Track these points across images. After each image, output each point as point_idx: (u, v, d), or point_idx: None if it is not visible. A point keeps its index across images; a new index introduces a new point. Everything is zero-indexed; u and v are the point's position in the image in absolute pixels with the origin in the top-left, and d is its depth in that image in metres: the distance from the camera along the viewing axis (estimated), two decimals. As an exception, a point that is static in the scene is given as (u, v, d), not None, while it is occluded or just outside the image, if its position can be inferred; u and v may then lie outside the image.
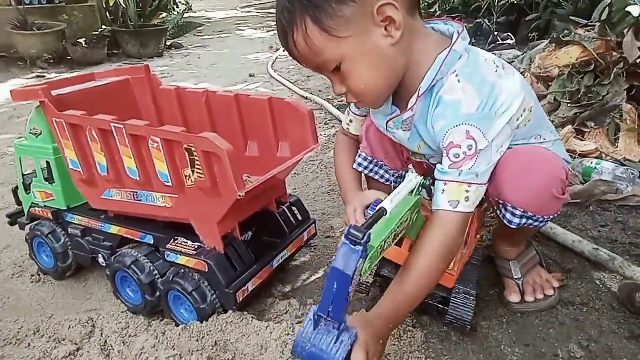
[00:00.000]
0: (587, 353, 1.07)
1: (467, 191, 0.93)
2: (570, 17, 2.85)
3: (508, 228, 1.07)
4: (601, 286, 1.27)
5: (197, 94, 1.41)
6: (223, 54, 5.70)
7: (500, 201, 1.05)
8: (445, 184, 0.95)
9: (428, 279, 0.94)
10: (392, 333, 1.11)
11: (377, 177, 1.25)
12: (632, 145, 2.02)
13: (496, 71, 0.95)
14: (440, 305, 1.14)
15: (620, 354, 1.06)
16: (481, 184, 0.95)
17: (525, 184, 1.01)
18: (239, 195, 1.03)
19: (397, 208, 0.89)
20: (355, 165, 1.24)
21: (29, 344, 1.27)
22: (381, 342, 0.90)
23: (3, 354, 1.24)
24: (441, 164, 0.96)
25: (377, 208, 0.85)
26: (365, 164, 1.23)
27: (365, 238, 0.77)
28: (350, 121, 1.27)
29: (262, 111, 1.34)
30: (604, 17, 2.28)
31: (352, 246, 0.77)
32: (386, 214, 0.84)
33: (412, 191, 0.98)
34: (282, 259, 1.32)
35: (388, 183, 1.26)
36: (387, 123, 1.08)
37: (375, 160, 1.23)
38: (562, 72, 2.28)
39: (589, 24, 2.60)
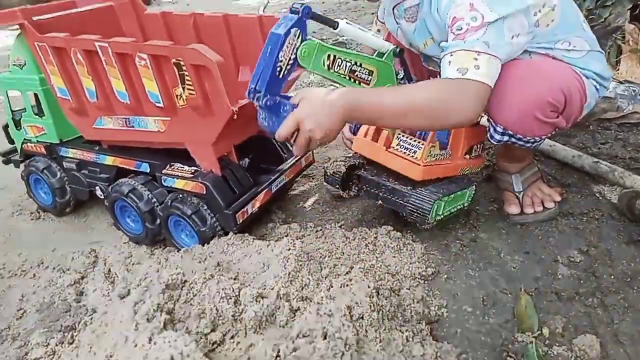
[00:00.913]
0: (587, 257, 1.08)
1: (476, 59, 0.89)
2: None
3: (507, 145, 1.06)
4: (600, 198, 1.27)
5: (184, 17, 1.35)
6: (212, 1, 5.51)
7: (489, 116, 1.03)
8: (451, 55, 0.90)
9: (406, 108, 0.90)
10: (392, 245, 1.11)
11: None
12: (634, 67, 1.98)
13: None
14: (403, 201, 1.12)
15: (619, 256, 1.07)
16: (493, 55, 0.89)
17: (508, 103, 0.98)
18: (233, 111, 1.00)
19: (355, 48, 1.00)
20: None
21: (34, 275, 1.28)
22: (329, 124, 0.87)
23: (10, 284, 1.25)
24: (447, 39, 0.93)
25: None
26: None
27: (305, 11, 0.89)
28: (378, 30, 1.30)
29: (253, 32, 1.29)
30: None
31: (290, 14, 0.90)
32: (337, 27, 0.97)
33: (383, 55, 1.03)
34: (280, 183, 1.31)
35: None
36: (393, 10, 1.09)
37: None
38: (563, -6, 2.20)
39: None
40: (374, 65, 1.02)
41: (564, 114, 1.02)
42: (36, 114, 1.39)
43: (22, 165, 1.52)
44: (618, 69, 2.00)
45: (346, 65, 0.99)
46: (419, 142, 1.10)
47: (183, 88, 1.03)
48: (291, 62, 0.92)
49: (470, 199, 1.18)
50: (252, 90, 0.91)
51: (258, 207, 1.22)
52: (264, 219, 1.36)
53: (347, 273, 1.01)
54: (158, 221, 1.26)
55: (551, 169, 1.41)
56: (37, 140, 1.43)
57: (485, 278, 1.05)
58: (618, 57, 2.01)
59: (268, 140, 1.36)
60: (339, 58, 0.97)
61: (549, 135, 1.06)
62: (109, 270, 1.26)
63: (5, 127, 1.51)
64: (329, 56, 0.96)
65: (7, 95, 1.42)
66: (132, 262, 1.29)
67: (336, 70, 0.98)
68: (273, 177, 1.28)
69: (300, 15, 0.89)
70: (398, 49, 1.05)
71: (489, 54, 0.89)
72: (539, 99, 0.97)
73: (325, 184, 1.33)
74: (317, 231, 1.28)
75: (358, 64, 1.01)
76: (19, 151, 1.51)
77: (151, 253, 1.30)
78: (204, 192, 1.14)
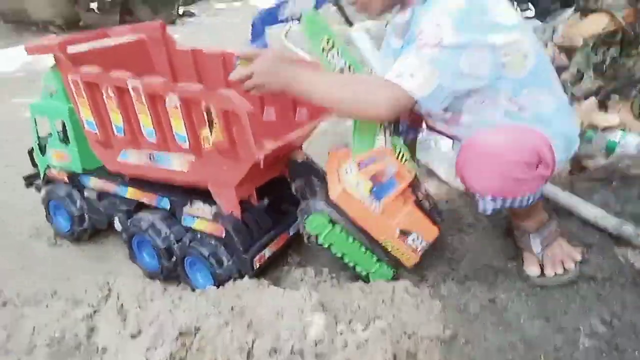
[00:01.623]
0: (609, 328, 1.05)
1: (415, 71, 0.93)
2: (598, -13, 2.74)
3: None
4: (624, 261, 1.24)
5: (214, 56, 1.37)
6: (234, 23, 5.60)
7: (471, 192, 1.06)
8: (402, 58, 0.96)
9: (332, 97, 0.99)
10: (410, 302, 1.10)
11: None
12: (657, 119, 1.96)
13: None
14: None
15: (644, 329, 1.04)
16: (435, 75, 0.93)
17: (487, 173, 1.01)
18: (258, 158, 1.00)
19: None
20: None
21: (47, 305, 1.27)
22: (270, 89, 1.00)
23: (22, 314, 1.24)
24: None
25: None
26: None
27: None
28: None
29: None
30: (634, -15, 2.18)
31: None
32: (350, 26, 1.12)
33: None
34: (298, 225, 1.30)
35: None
36: (386, 27, 1.14)
37: None
38: (587, 42, 2.20)
39: (618, -7, 2.49)
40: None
41: (543, 164, 1.03)
42: (62, 142, 1.41)
43: (43, 190, 1.54)
44: (642, 121, 1.98)
45: (339, 61, 1.05)
46: (356, 171, 1.08)
47: (210, 131, 1.04)
48: (296, 16, 1.02)
49: (379, 274, 1.16)
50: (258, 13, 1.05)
51: (276, 250, 1.22)
52: (279, 260, 1.35)
53: (363, 330, 1.00)
54: (174, 259, 1.26)
55: (573, 226, 1.39)
56: (61, 168, 1.45)
57: (504, 344, 1.02)
58: (642, 108, 1.99)
59: (287, 182, 1.36)
60: (336, 49, 1.03)
61: (542, 186, 1.07)
62: (122, 306, 1.25)
63: (30, 152, 1.53)
64: (328, 41, 1.02)
65: (36, 121, 1.44)
66: (146, 298, 1.27)
67: (327, 58, 1.05)
68: (291, 221, 1.28)
69: None
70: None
71: (431, 70, 0.93)
72: (513, 161, 0.99)
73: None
74: (332, 278, 1.26)
75: (349, 67, 1.06)
76: (41, 176, 1.52)
77: (164, 290, 1.28)
78: (223, 235, 1.14)
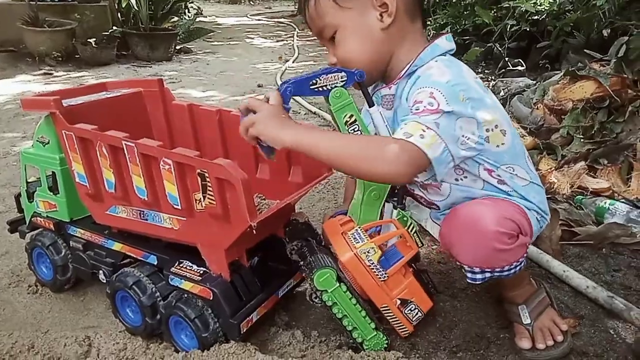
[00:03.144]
0: (602, 409, 1.03)
1: (424, 131, 0.94)
2: (585, 50, 2.84)
3: None
4: (615, 336, 1.23)
5: (210, 112, 1.37)
6: (232, 61, 5.70)
7: (458, 263, 1.09)
8: (405, 124, 0.97)
9: (339, 151, 0.97)
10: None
11: None
12: (644, 185, 1.99)
13: (475, 79, 1.06)
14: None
15: (636, 412, 1.02)
16: (440, 137, 0.95)
17: (466, 245, 1.05)
18: (252, 225, 0.99)
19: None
20: None
21: (22, 361, 1.22)
22: (272, 141, 0.98)
23: (-5, 370, 1.19)
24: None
25: None
26: None
27: (360, 74, 1.06)
28: None
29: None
30: (620, 53, 2.27)
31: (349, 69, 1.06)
32: (371, 106, 1.11)
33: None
34: (288, 287, 1.28)
35: None
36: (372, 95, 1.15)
37: None
38: (576, 106, 2.26)
39: (604, 58, 2.58)
40: None
41: (523, 233, 1.07)
42: (50, 190, 1.39)
43: (27, 237, 1.50)
44: (629, 186, 2.01)
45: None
46: (366, 238, 1.13)
47: (203, 196, 1.03)
48: (324, 88, 1.03)
49: (374, 344, 1.16)
50: (285, 82, 1.03)
51: (263, 313, 1.19)
52: (266, 320, 1.32)
53: (351, 407, 0.96)
54: (158, 317, 1.22)
55: (564, 295, 1.38)
56: (47, 215, 1.42)
57: None
58: (629, 173, 2.03)
59: (278, 240, 1.34)
60: (357, 124, 1.07)
61: (525, 255, 1.09)
62: (102, 364, 1.21)
63: (17, 197, 1.51)
64: (351, 116, 1.06)
65: (25, 168, 1.42)
66: (126, 355, 1.23)
67: (348, 130, 1.07)
68: (281, 282, 1.25)
69: (352, 70, 1.05)
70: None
71: (437, 133, 0.95)
72: (490, 232, 1.02)
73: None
74: (321, 342, 1.24)
75: None
76: (27, 222, 1.49)
77: (147, 347, 1.24)
78: (211, 298, 1.11)
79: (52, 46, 4.92)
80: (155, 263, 1.24)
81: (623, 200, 1.79)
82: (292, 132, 0.97)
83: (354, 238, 1.13)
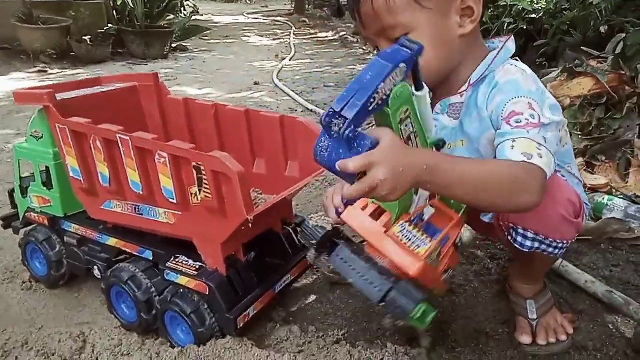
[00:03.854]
0: (601, 403, 1.02)
1: (539, 149, 0.88)
2: (582, 48, 2.84)
3: (524, 262, 1.04)
4: (614, 330, 1.23)
5: (205, 107, 1.36)
6: (228, 59, 5.68)
7: (511, 224, 1.02)
8: (514, 141, 0.89)
9: (480, 181, 0.84)
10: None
11: None
12: (642, 181, 1.99)
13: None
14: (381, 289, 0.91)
15: (636, 406, 1.01)
16: (550, 151, 0.89)
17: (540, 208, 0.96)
18: (248, 219, 0.98)
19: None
20: None
21: (16, 357, 1.21)
22: (402, 181, 0.77)
23: (-12, 367, 1.18)
24: (500, 129, 0.94)
25: None
26: None
27: (418, 50, 0.79)
28: None
29: (273, 129, 1.30)
30: (618, 50, 2.27)
31: (401, 47, 0.79)
32: (420, 90, 0.87)
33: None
34: (285, 282, 1.27)
35: None
36: (434, 105, 1.08)
37: None
38: (574, 102, 2.26)
39: (601, 55, 2.58)
40: (422, 144, 0.92)
41: (581, 217, 1.05)
42: (44, 185, 1.37)
43: (21, 232, 1.49)
44: (627, 182, 2.01)
45: (409, 129, 0.88)
46: (425, 238, 0.95)
47: (199, 190, 1.02)
48: (385, 97, 0.79)
49: (425, 323, 0.94)
50: (333, 114, 0.75)
51: (260, 308, 1.18)
52: (263, 315, 1.31)
53: (349, 402, 0.95)
54: (154, 312, 1.21)
55: (563, 291, 1.38)
56: (41, 211, 1.40)
57: (495, 420, 0.99)
58: (627, 169, 2.03)
59: (275, 235, 1.33)
60: (410, 117, 0.87)
61: (574, 239, 1.07)
62: (97, 359, 1.19)
63: (11, 192, 1.49)
64: (406, 111, 0.85)
65: (19, 163, 1.40)
66: (122, 351, 1.22)
67: (401, 128, 0.86)
68: (278, 277, 1.24)
69: (412, 52, 0.79)
70: (442, 143, 0.98)
71: (548, 150, 0.90)
72: (563, 198, 1.00)
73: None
74: (318, 338, 1.22)
75: (415, 134, 0.90)
76: (20, 218, 1.47)
77: (142, 343, 1.23)
78: (207, 293, 1.10)
79: (46, 44, 4.89)
80: (151, 258, 1.23)
81: (621, 196, 1.79)
82: (416, 175, 0.79)
83: (407, 238, 0.95)
